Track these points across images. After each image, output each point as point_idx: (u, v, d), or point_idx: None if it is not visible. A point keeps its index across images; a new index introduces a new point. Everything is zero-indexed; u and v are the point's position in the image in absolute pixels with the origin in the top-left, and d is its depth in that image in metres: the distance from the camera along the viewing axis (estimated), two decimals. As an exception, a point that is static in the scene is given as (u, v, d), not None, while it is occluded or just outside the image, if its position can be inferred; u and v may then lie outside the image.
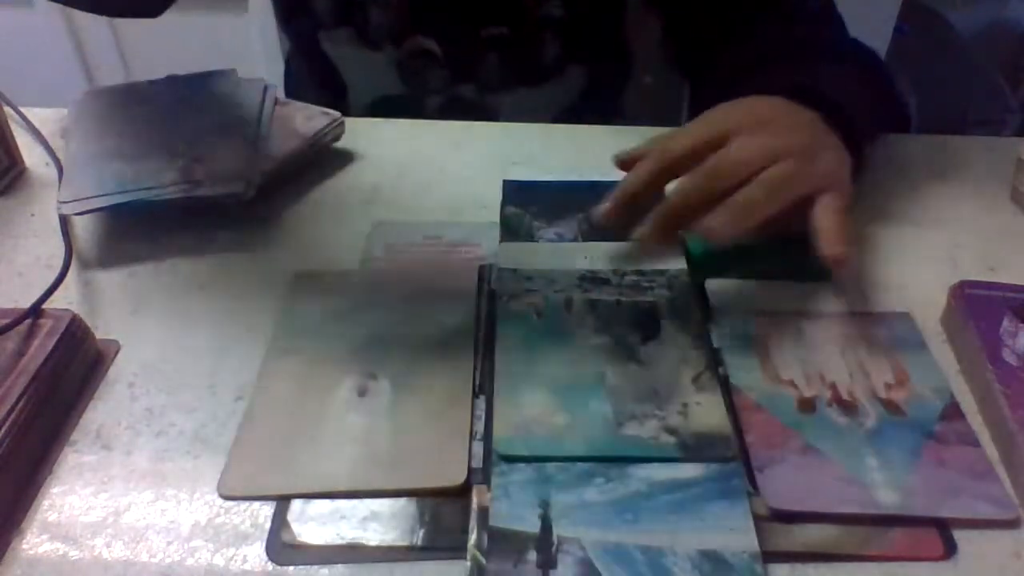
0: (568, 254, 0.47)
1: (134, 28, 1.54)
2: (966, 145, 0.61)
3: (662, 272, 0.46)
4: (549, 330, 0.42)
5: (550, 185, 0.55)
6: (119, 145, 0.53)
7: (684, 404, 0.38)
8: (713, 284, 0.46)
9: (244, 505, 0.35)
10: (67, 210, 0.48)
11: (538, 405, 0.38)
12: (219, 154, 0.52)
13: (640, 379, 0.39)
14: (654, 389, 0.39)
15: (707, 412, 0.37)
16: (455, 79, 0.69)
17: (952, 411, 0.38)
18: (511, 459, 0.36)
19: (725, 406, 0.38)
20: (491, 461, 0.36)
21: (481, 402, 0.39)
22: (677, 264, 0.46)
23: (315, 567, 0.33)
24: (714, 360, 0.41)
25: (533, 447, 0.36)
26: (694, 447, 0.36)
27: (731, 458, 0.36)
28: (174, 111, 0.56)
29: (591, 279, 0.45)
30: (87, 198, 0.48)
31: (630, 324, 0.42)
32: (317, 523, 0.34)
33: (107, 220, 0.52)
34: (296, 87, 0.77)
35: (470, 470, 0.36)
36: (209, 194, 0.49)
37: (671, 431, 0.37)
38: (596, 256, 0.47)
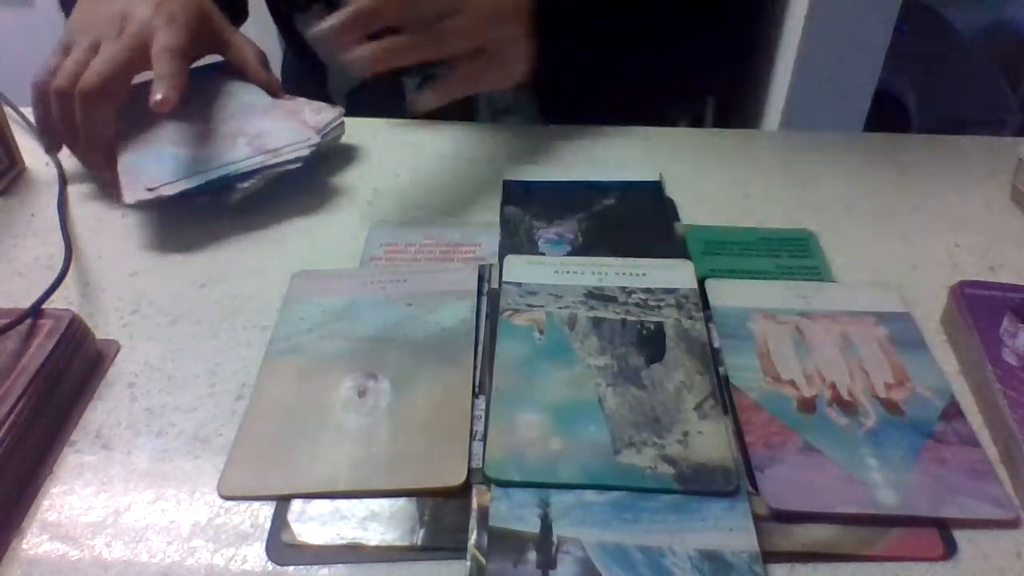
0: (576, 268, 0.47)
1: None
2: (966, 145, 0.61)
3: (671, 291, 0.45)
4: (550, 348, 0.41)
5: (550, 185, 0.55)
6: (170, 134, 0.53)
7: (685, 433, 0.37)
8: (713, 284, 0.46)
9: (244, 505, 0.35)
10: (140, 196, 0.49)
11: (533, 427, 0.37)
12: (272, 128, 0.54)
13: (641, 404, 0.38)
14: (655, 415, 0.38)
15: (708, 442, 0.36)
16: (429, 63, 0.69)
17: (952, 411, 0.38)
18: (502, 483, 0.35)
19: (730, 435, 0.37)
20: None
21: (481, 402, 0.39)
22: (687, 283, 0.45)
23: (315, 567, 0.33)
24: (720, 387, 0.39)
25: (525, 472, 0.35)
26: (692, 479, 0.35)
27: (731, 492, 0.35)
28: (206, 99, 0.57)
29: (598, 296, 0.44)
30: (163, 185, 0.49)
31: (635, 345, 0.41)
32: (317, 523, 0.34)
33: (107, 220, 0.52)
34: (292, 84, 0.77)
35: (470, 470, 0.36)
36: (285, 159, 0.52)
37: (669, 461, 0.36)
38: (606, 272, 0.46)
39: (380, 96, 0.64)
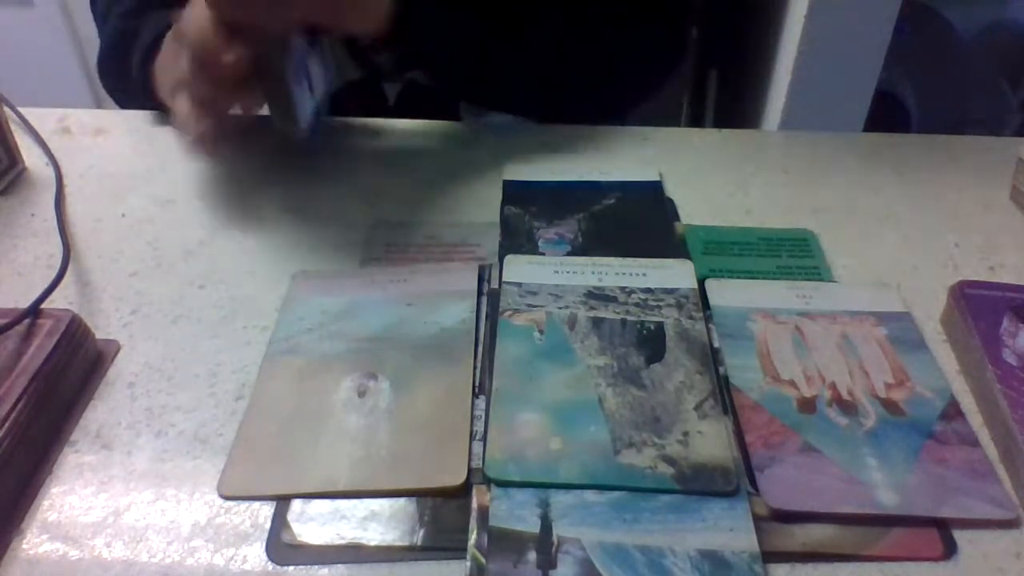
0: (576, 268, 0.47)
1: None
2: (966, 145, 0.61)
3: (671, 291, 0.45)
4: (550, 348, 0.41)
5: (550, 185, 0.55)
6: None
7: (685, 433, 0.37)
8: (713, 284, 0.46)
9: (244, 505, 0.35)
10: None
11: (533, 427, 0.37)
12: None
13: (641, 404, 0.38)
14: (655, 415, 0.38)
15: (709, 442, 0.36)
16: (404, 64, 0.68)
17: (952, 411, 0.38)
18: (501, 483, 0.35)
19: (730, 435, 0.37)
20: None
21: (481, 402, 0.39)
22: (687, 283, 0.45)
23: (315, 567, 0.33)
24: (720, 386, 0.39)
25: (525, 472, 0.35)
26: (692, 479, 0.35)
27: (731, 492, 0.35)
28: None
29: (598, 295, 0.44)
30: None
31: (635, 344, 0.41)
32: (317, 523, 0.34)
33: (107, 220, 0.52)
34: None
35: (470, 470, 0.36)
36: None
37: (669, 461, 0.36)
38: (606, 272, 0.46)
39: (362, 99, 0.64)
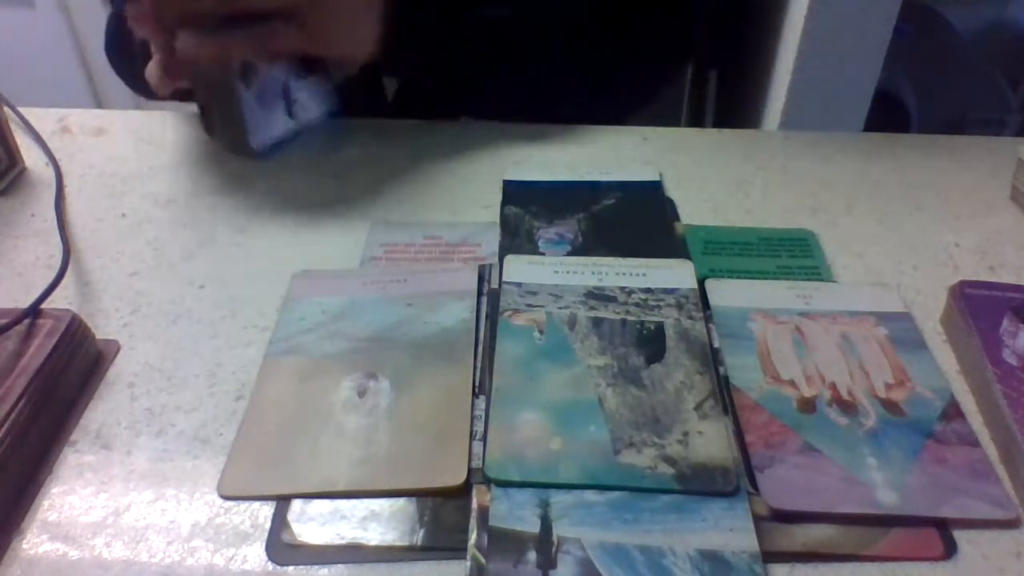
0: (576, 268, 0.47)
1: (134, 28, 1.54)
2: (966, 145, 0.61)
3: (671, 291, 0.45)
4: (550, 348, 0.41)
5: (550, 185, 0.55)
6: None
7: (685, 433, 0.37)
8: (713, 284, 0.46)
9: (244, 505, 0.35)
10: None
11: (533, 427, 0.37)
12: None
13: (641, 404, 0.38)
14: (655, 415, 0.38)
15: (709, 442, 0.36)
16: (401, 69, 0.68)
17: (952, 411, 0.38)
18: (502, 483, 0.35)
19: (730, 435, 0.37)
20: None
21: (481, 402, 0.39)
22: (687, 283, 0.45)
23: (315, 567, 0.33)
24: (720, 386, 0.39)
25: (525, 472, 0.35)
26: (692, 479, 0.35)
27: (731, 492, 0.35)
28: None
29: (598, 295, 0.44)
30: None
31: (635, 344, 0.41)
32: (317, 523, 0.34)
33: (107, 220, 0.52)
34: None
35: (470, 470, 0.36)
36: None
37: (669, 461, 0.36)
38: (606, 272, 0.46)
39: (360, 94, 0.64)
